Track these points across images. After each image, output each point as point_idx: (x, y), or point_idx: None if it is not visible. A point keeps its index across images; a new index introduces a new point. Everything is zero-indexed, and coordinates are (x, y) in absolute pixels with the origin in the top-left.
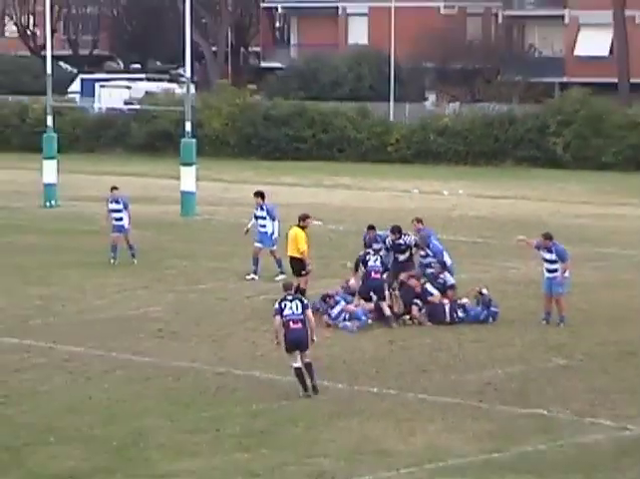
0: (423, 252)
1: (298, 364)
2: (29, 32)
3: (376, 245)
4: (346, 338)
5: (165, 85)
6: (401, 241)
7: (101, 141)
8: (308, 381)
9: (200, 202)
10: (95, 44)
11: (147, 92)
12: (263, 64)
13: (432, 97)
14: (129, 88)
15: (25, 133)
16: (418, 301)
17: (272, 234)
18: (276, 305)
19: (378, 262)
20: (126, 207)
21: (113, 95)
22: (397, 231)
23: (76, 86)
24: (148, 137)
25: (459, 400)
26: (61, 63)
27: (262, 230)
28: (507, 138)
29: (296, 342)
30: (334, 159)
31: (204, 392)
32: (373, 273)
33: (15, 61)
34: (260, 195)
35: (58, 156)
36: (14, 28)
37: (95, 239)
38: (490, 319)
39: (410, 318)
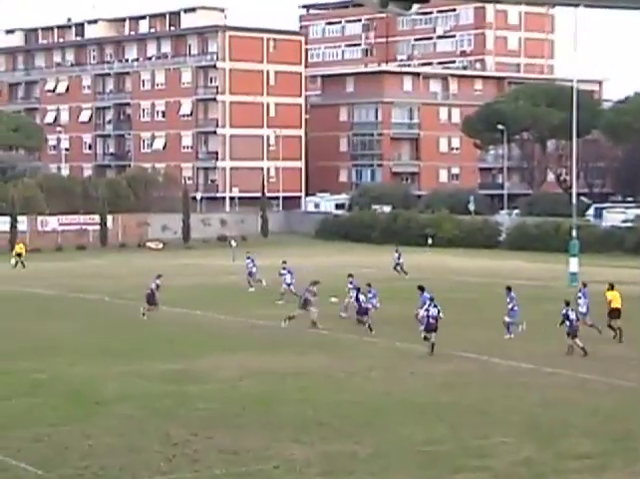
0: None
1: None
2: (562, 178)
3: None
4: None
5: None
6: None
7: (601, 245)
8: None
9: None
10: (603, 185)
11: (636, 215)
12: None
13: None
14: (624, 213)
15: (562, 240)
16: None
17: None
18: None
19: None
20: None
21: (613, 216)
22: None
23: (590, 211)
24: (637, 243)
25: None
26: (582, 197)
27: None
28: None
29: None
30: None
31: None
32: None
33: (553, 197)
34: (351, 275)
35: (579, 254)
36: (552, 176)
37: None
38: None
39: None
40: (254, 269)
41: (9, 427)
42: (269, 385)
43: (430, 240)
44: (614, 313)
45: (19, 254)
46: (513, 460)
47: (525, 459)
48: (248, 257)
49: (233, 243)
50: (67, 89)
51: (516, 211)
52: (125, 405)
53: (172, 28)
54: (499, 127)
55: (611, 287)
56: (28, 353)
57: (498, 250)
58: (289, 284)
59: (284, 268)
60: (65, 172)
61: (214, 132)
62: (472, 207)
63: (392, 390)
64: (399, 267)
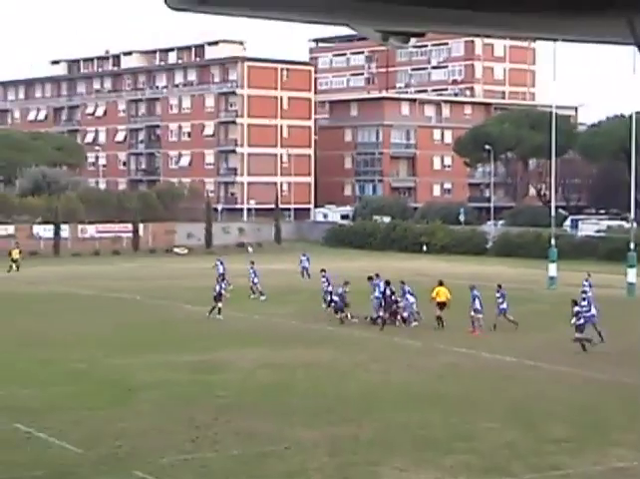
0: None
1: None
2: (542, 193)
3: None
4: None
5: (619, 222)
6: None
7: (577, 252)
8: None
9: None
10: (578, 199)
11: (608, 226)
12: None
13: None
14: (597, 224)
15: (542, 248)
16: None
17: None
18: None
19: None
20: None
21: (588, 227)
22: None
23: (567, 222)
24: (609, 251)
25: None
26: (560, 210)
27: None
28: None
29: None
30: None
31: None
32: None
33: (534, 210)
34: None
35: (557, 261)
36: (533, 191)
37: None
38: None
39: None
40: (256, 280)
41: (52, 410)
42: (281, 376)
43: (425, 248)
44: (441, 306)
45: (14, 260)
46: (498, 443)
47: (509, 442)
48: (251, 267)
49: (250, 250)
50: (104, 113)
51: (501, 221)
52: (154, 392)
53: (198, 59)
54: (487, 147)
55: (440, 284)
56: (70, 345)
57: (486, 257)
58: (255, 283)
59: (251, 269)
60: (102, 186)
61: (234, 151)
62: (462, 218)
63: (391, 381)
64: (305, 272)
